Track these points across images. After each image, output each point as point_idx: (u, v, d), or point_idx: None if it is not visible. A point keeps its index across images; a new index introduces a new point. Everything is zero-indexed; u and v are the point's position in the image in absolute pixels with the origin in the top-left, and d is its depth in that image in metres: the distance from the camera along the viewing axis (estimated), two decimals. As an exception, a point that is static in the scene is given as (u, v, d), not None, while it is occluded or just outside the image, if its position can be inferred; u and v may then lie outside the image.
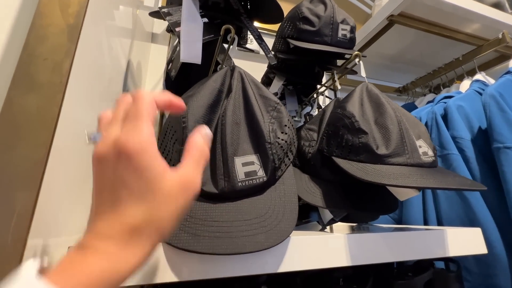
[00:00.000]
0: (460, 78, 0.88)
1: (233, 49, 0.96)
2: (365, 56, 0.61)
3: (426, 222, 0.60)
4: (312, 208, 0.57)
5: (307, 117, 0.79)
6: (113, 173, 0.17)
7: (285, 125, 0.38)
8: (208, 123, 0.37)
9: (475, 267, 0.52)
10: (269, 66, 0.81)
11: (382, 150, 0.40)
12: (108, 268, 0.15)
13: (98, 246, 0.15)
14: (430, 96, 0.93)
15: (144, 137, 0.17)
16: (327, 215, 0.48)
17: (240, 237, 0.29)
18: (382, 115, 0.44)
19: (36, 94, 0.25)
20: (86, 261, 0.15)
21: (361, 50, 0.95)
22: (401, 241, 0.38)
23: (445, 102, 0.67)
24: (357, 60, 0.56)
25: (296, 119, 0.83)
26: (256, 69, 0.91)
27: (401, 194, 0.40)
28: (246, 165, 0.34)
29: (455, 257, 0.56)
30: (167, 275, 0.28)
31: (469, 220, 0.53)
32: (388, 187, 0.42)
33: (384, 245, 0.37)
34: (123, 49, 0.54)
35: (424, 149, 0.41)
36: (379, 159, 0.39)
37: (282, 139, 0.37)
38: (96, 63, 0.34)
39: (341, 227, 0.70)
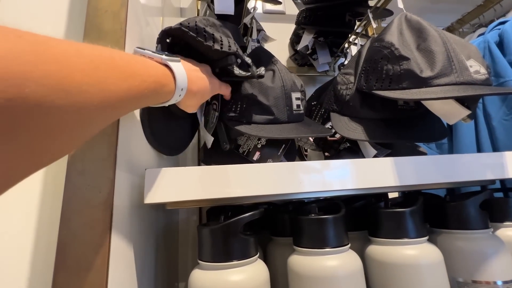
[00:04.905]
0: (519, 4, 0.77)
1: (260, 14, 0.95)
2: (402, -11, 0.57)
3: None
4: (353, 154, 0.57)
5: (341, 68, 0.77)
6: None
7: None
8: None
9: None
10: (298, 23, 0.80)
11: (426, 73, 0.38)
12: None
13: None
14: (481, 30, 0.83)
15: None
16: (371, 152, 0.48)
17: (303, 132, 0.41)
18: (425, 40, 0.41)
19: (103, 41, 0.29)
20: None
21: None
22: (453, 163, 0.37)
23: (500, 29, 0.60)
24: (392, -9, 0.52)
25: (330, 72, 0.81)
26: (283, 30, 0.90)
27: (450, 117, 0.38)
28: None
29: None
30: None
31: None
32: (436, 112, 0.40)
33: (434, 167, 0.37)
34: (156, 27, 0.57)
35: (476, 68, 0.39)
36: (424, 82, 0.38)
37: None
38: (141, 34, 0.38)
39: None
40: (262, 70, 0.39)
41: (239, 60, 0.36)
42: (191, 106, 0.34)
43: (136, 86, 0.20)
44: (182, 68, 0.27)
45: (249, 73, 0.37)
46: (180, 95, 0.28)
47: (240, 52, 0.36)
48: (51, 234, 0.27)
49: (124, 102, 0.19)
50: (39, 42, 0.13)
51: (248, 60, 0.38)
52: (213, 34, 0.34)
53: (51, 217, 0.28)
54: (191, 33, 0.33)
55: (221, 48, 0.34)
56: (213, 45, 0.33)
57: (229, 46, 0.35)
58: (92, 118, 0.16)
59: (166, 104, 0.28)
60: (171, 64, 0.26)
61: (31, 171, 0.14)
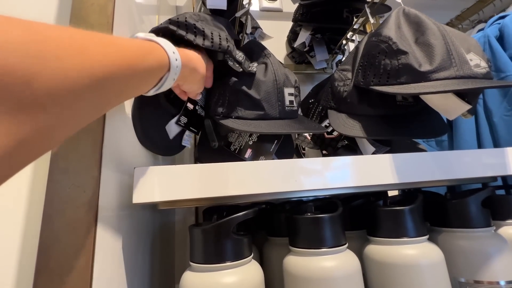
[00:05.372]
0: (519, -1, 0.76)
1: (257, 12, 0.94)
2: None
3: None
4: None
5: (339, 65, 0.76)
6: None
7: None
8: None
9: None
10: (295, 20, 0.79)
11: (425, 67, 0.37)
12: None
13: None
14: (480, 26, 0.82)
15: None
16: (369, 149, 0.47)
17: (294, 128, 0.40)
18: (424, 34, 0.40)
19: (90, 35, 0.28)
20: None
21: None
22: (453, 160, 0.36)
23: (500, 23, 0.58)
24: (390, -14, 0.51)
25: (328, 70, 0.80)
26: (280, 28, 0.89)
27: (450, 112, 0.37)
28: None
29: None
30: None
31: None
32: (435, 107, 0.39)
33: (434, 164, 0.36)
34: (151, 26, 0.56)
35: (476, 61, 0.38)
36: (423, 77, 0.37)
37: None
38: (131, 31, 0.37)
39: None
40: (254, 66, 0.38)
41: (230, 58, 0.35)
42: (196, 82, 0.32)
43: (120, 54, 0.19)
44: (162, 38, 0.27)
45: (240, 69, 0.36)
46: (176, 59, 0.26)
47: (232, 47, 0.35)
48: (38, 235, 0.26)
49: (112, 72, 0.18)
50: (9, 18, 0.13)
51: (240, 57, 0.37)
52: (203, 30, 0.33)
53: (40, 218, 0.27)
54: (180, 31, 0.32)
55: (212, 45, 0.33)
56: (203, 42, 0.32)
57: (220, 43, 0.33)
58: (80, 89, 0.16)
59: (171, 80, 0.26)
60: (149, 37, 0.26)
61: (34, 155, 0.15)
